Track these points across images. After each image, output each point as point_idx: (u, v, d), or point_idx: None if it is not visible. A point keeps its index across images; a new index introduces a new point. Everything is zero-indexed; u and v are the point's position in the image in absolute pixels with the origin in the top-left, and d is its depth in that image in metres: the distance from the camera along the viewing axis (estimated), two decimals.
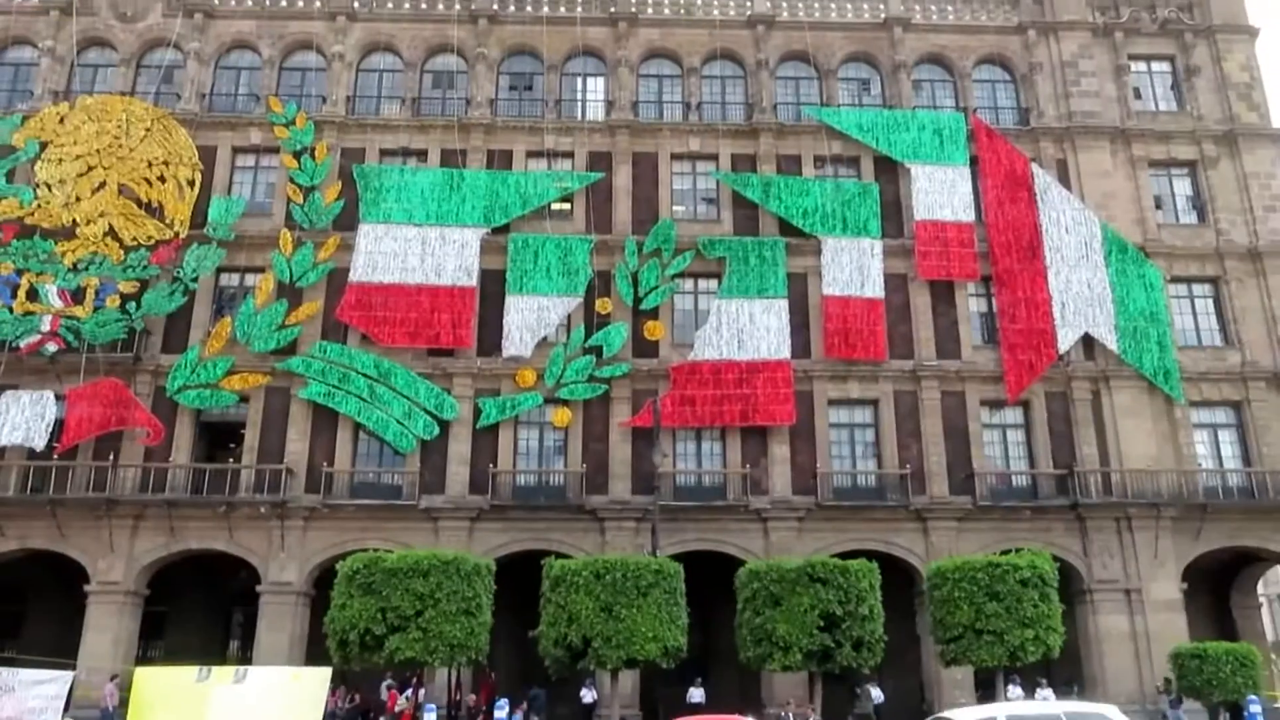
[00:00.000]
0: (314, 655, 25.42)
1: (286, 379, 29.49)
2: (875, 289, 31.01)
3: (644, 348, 30.36)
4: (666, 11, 34.61)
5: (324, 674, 19.70)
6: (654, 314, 30.67)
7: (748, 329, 30.37)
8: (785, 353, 30.09)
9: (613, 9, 34.00)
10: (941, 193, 32.09)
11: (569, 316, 30.54)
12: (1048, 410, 30.49)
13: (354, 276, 30.31)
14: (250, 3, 33.94)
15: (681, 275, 31.14)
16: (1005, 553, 23.83)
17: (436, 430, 29.08)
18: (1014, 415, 30.83)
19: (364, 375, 29.38)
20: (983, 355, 30.95)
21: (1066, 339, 30.74)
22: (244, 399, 29.43)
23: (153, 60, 33.36)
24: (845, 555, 24.28)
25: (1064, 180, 32.74)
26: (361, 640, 20.43)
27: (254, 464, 28.73)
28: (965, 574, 22.02)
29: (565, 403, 29.71)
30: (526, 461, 29.75)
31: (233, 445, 30.47)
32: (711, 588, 27.10)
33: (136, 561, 27.88)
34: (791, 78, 34.34)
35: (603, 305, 30.48)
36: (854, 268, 31.19)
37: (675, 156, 32.78)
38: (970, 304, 31.68)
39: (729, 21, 34.32)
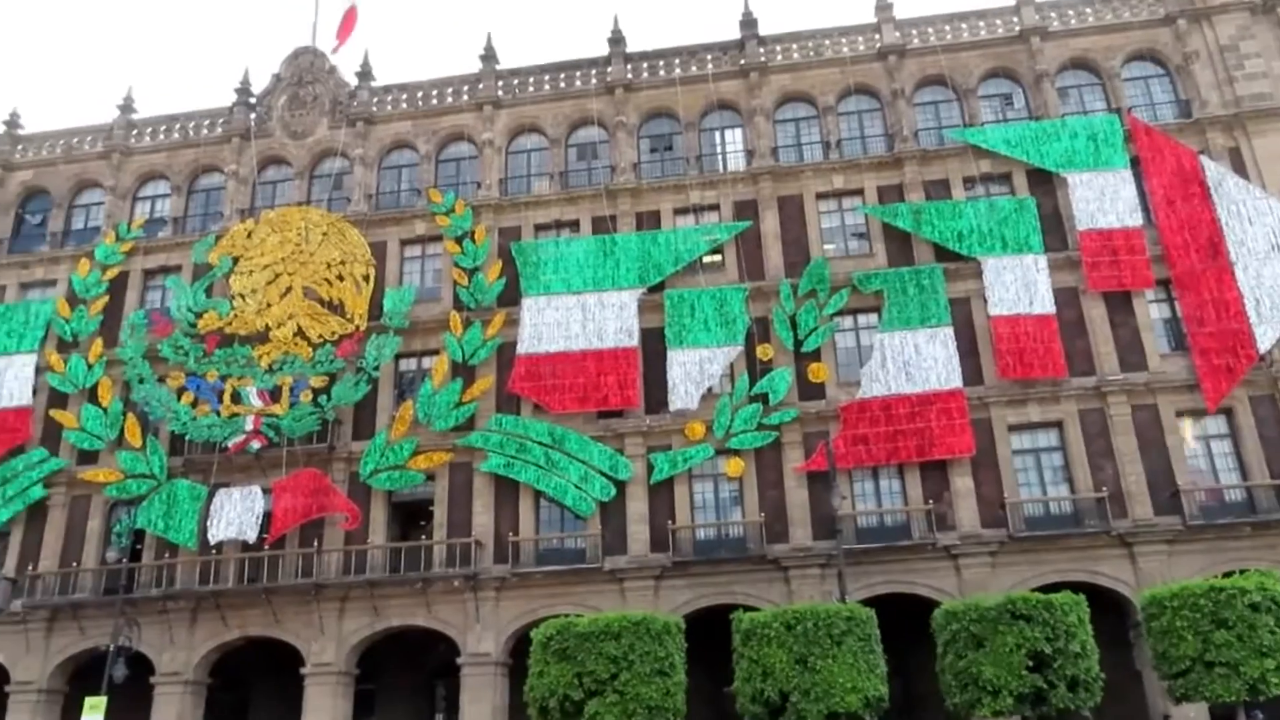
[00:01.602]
0: None
1: (468, 454, 30.75)
2: (1045, 305, 29.80)
3: (810, 390, 30.11)
4: (796, 56, 34.80)
5: None
6: (816, 355, 30.43)
7: (914, 360, 29.70)
8: (956, 381, 29.22)
9: (742, 61, 34.48)
10: (1104, 199, 30.69)
11: (731, 366, 30.67)
12: (1255, 416, 28.31)
13: (521, 349, 31.47)
14: (405, 105, 36.27)
15: (840, 313, 30.86)
16: (1227, 575, 22.09)
17: (613, 491, 29.61)
18: (1216, 425, 28.76)
19: (539, 443, 30.31)
20: (1172, 364, 29.13)
21: (1266, 338, 28.58)
22: (430, 477, 30.84)
23: (323, 170, 36.04)
24: (1046, 589, 23.11)
25: (1239, 170, 30.74)
26: (561, 707, 20.77)
27: (445, 539, 29.96)
28: (1185, 601, 20.47)
29: (736, 452, 29.72)
30: (704, 515, 29.84)
31: (423, 522, 31.90)
32: (906, 631, 26.28)
33: (345, 642, 29.42)
34: (930, 102, 33.80)
35: (764, 352, 30.49)
36: (1019, 286, 30.11)
37: (820, 196, 32.70)
38: (1151, 310, 29.96)
39: (860, 57, 34.18)
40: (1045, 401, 29.20)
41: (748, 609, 23.31)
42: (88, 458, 32.45)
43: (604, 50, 35.90)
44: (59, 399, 33.30)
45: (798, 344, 30.42)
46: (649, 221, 33.02)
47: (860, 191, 32.39)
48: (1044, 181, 31.46)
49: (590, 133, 35.05)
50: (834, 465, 27.13)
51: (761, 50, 34.74)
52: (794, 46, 35.01)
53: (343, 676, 29.24)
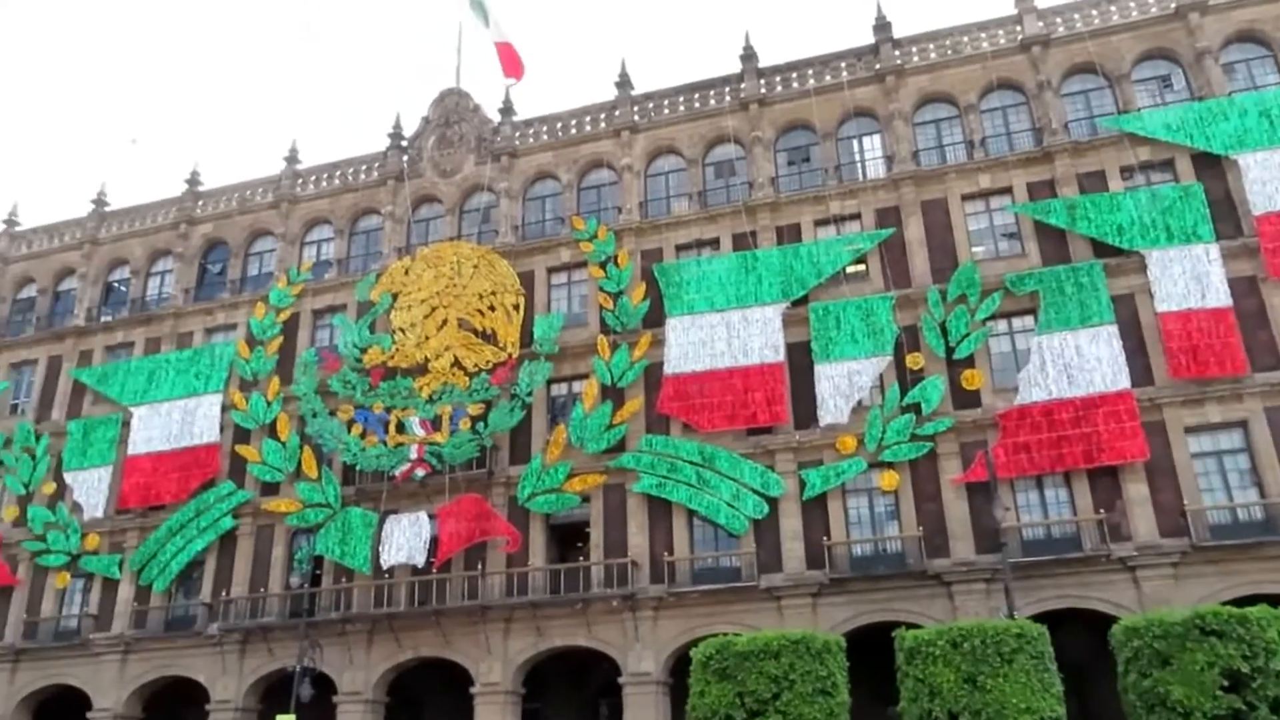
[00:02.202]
0: None
1: (620, 475, 31.24)
2: (1220, 297, 27.93)
3: (964, 398, 29.19)
4: (933, 55, 33.95)
5: None
6: (969, 362, 29.48)
7: (1076, 362, 28.36)
8: (1124, 382, 27.72)
9: (877, 66, 33.90)
10: None
11: (880, 377, 30.08)
12: None
13: (668, 369, 31.78)
14: (546, 136, 37.38)
15: (993, 317, 29.83)
16: None
17: (766, 508, 29.47)
18: None
19: (690, 463, 30.50)
20: None
21: None
22: (585, 499, 31.47)
23: (471, 205, 37.53)
24: (1238, 602, 21.57)
25: None
26: None
27: (601, 560, 30.49)
28: None
29: (890, 465, 29.10)
30: (860, 530, 29.30)
31: (579, 544, 32.57)
32: (1080, 649, 25.00)
33: (511, 662, 30.31)
34: (1079, 92, 32.31)
35: (913, 361, 29.79)
36: (1189, 278, 28.34)
37: (966, 197, 31.73)
38: None
39: (1001, 51, 33.05)
40: (1226, 400, 27.34)
41: (910, 626, 22.74)
42: (270, 489, 34.69)
43: (736, 67, 35.99)
44: (243, 435, 35.76)
45: (949, 351, 29.55)
46: (789, 235, 32.83)
47: (1009, 190, 31.24)
48: (1211, 165, 29.56)
49: (727, 150, 35.18)
50: (995, 475, 26.14)
51: (897, 53, 34.06)
52: (930, 46, 34.16)
53: (510, 695, 30.12)
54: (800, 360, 30.86)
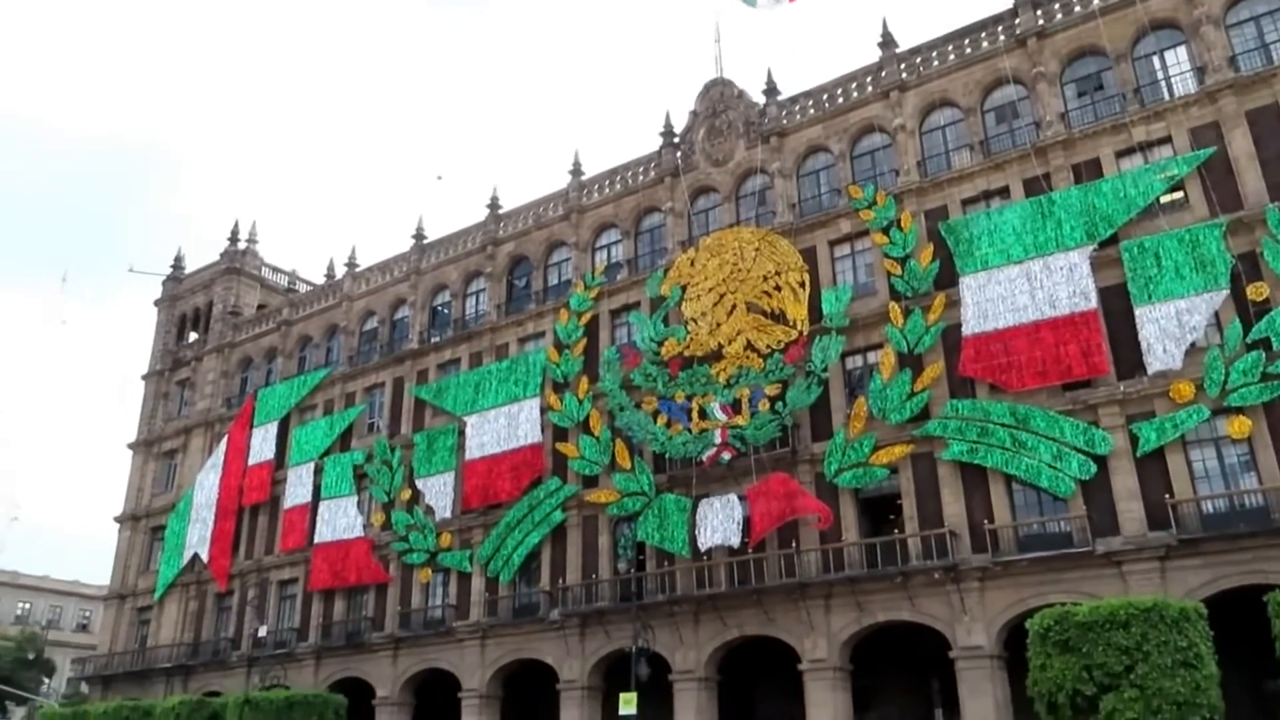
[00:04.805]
0: None
1: (927, 444, 30.36)
2: None
3: None
4: None
5: None
6: None
7: None
8: None
9: None
10: None
11: (1216, 314, 27.07)
12: None
13: (967, 330, 30.46)
14: (813, 110, 36.99)
15: None
16: None
17: (1094, 468, 27.47)
18: None
19: (1002, 425, 29.06)
20: None
21: None
22: (893, 470, 30.89)
23: (746, 189, 37.92)
24: None
25: None
26: (1072, 702, 19.62)
27: (917, 532, 29.81)
28: None
29: (1239, 410, 26.09)
30: (1208, 485, 26.53)
31: (891, 516, 32.01)
32: None
33: (835, 638, 30.36)
34: None
35: (1256, 291, 26.54)
36: None
37: None
38: None
39: None
40: None
41: None
42: (590, 482, 37.04)
43: (1006, 4, 33.63)
44: (561, 433, 38.44)
45: None
46: (1088, 172, 30.31)
47: None
48: None
49: (1006, 92, 33.06)
50: None
51: None
52: None
53: (839, 672, 30.19)
54: (1116, 305, 28.46)
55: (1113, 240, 29.02)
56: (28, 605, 76.89)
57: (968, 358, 30.21)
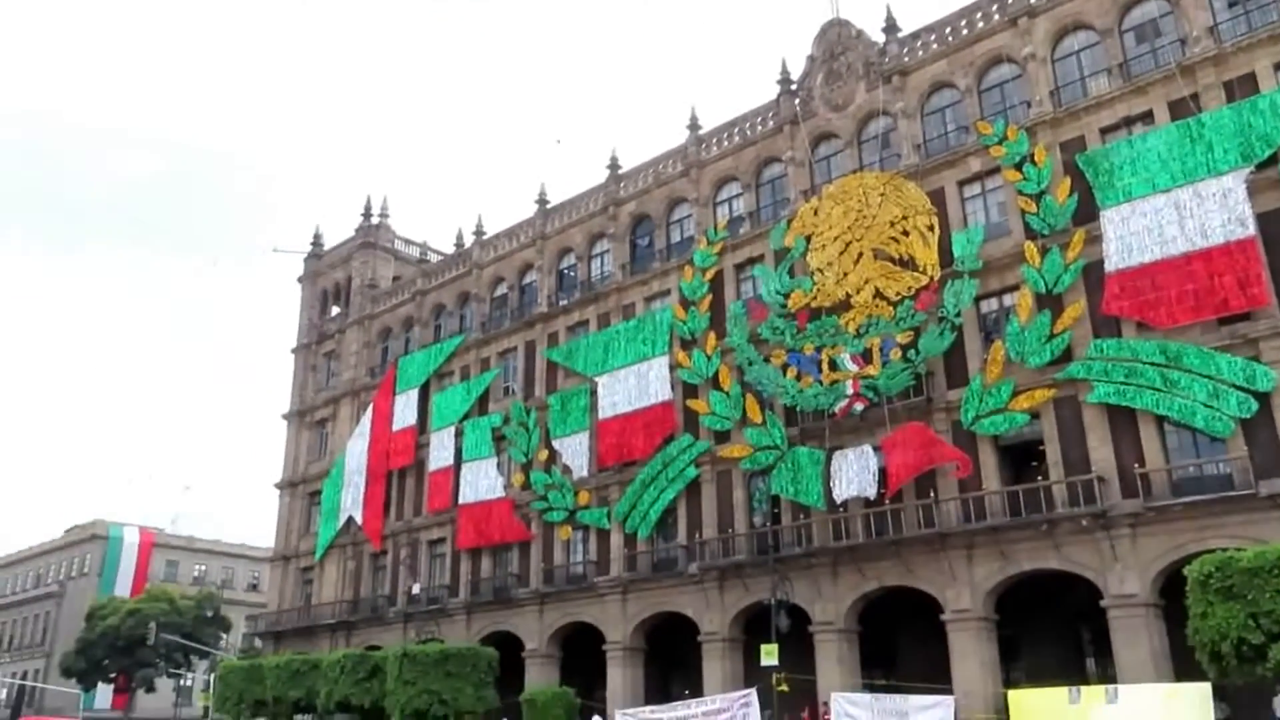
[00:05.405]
0: (1183, 670, 24.17)
1: (1070, 387, 29.27)
2: None
3: None
4: None
5: (1203, 690, 18.71)
6: None
7: None
8: None
9: None
10: None
11: None
12: None
13: (1110, 266, 29.06)
14: (935, 45, 35.58)
15: None
16: None
17: (1255, 405, 25.92)
18: None
19: (1151, 364, 27.71)
20: None
21: None
22: (1035, 415, 29.91)
23: (869, 133, 36.94)
24: None
25: None
26: (1237, 651, 18.80)
27: (1062, 478, 28.85)
28: None
29: None
30: None
31: (1034, 463, 31.06)
32: None
33: (979, 588, 29.80)
34: None
35: None
36: None
37: None
38: None
39: None
40: None
41: None
42: (722, 437, 37.24)
43: None
44: (690, 390, 38.69)
45: None
46: (1242, 89, 28.25)
47: None
48: None
49: (1147, 9, 31.02)
50: None
51: None
52: None
53: (983, 622, 29.68)
54: (1276, 231, 26.62)
55: (1271, 161, 27.08)
56: (204, 568, 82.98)
57: (1111, 295, 28.85)
